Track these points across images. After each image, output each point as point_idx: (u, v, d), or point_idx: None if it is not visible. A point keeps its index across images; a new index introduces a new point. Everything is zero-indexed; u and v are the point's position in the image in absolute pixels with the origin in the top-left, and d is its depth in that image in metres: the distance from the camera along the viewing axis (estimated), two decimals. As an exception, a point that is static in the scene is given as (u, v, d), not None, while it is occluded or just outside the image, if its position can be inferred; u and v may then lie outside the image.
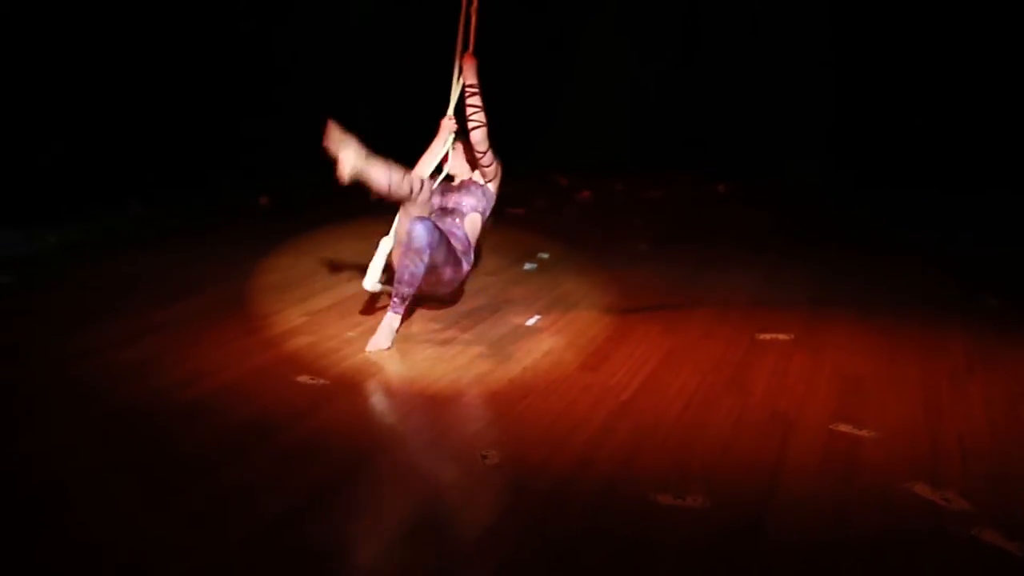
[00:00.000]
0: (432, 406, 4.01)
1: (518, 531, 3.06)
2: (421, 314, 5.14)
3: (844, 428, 3.79)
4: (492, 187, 5.07)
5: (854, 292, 5.58)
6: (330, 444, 3.62)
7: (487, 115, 4.92)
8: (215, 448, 3.57)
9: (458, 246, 4.86)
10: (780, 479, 3.40)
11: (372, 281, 4.84)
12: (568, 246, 6.60)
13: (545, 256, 6.31)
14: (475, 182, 5.07)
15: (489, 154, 4.98)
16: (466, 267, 4.92)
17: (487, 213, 5.06)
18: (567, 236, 6.86)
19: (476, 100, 4.95)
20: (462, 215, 4.98)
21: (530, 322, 5.05)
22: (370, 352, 4.56)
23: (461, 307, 5.27)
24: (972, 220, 6.99)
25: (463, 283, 5.14)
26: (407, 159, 4.92)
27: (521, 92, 9.08)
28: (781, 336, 4.83)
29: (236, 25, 8.00)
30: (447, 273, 4.78)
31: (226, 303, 5.23)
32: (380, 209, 7.54)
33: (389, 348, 4.61)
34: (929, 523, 3.13)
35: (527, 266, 6.12)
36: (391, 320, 4.66)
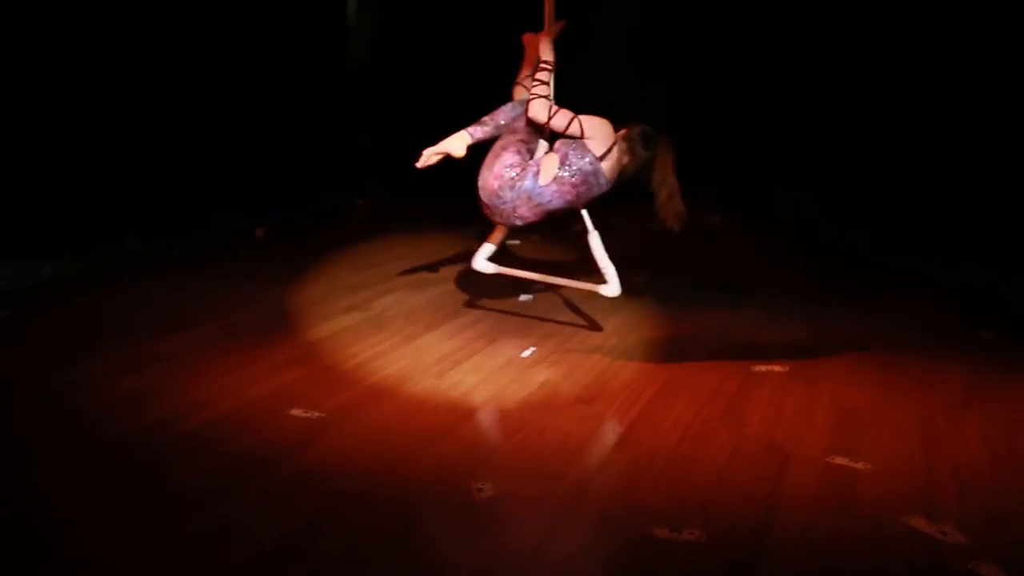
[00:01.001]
0: (427, 438, 4.00)
1: (512, 566, 3.05)
2: (414, 347, 5.14)
3: (840, 461, 3.79)
4: (588, 143, 4.97)
5: (850, 324, 5.58)
6: (326, 477, 3.62)
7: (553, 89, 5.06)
8: (212, 480, 3.57)
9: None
10: (776, 512, 3.40)
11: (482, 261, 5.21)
12: (564, 277, 6.60)
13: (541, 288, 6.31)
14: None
15: (558, 118, 4.98)
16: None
17: (573, 163, 4.97)
18: (563, 267, 6.86)
19: (543, 75, 5.06)
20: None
21: (525, 354, 5.04)
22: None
23: (456, 339, 5.27)
24: (969, 253, 7.00)
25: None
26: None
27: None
28: (777, 368, 4.83)
29: (232, 60, 8.03)
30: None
31: (223, 335, 5.22)
32: (375, 241, 7.60)
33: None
34: (926, 557, 3.12)
35: (523, 297, 6.12)
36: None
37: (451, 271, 6.76)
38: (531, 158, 5.04)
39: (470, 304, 5.97)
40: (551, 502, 3.45)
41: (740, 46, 8.62)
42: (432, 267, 6.86)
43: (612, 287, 5.11)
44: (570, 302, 6.01)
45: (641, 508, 3.42)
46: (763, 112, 8.57)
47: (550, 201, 5.01)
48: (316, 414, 4.19)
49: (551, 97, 5.08)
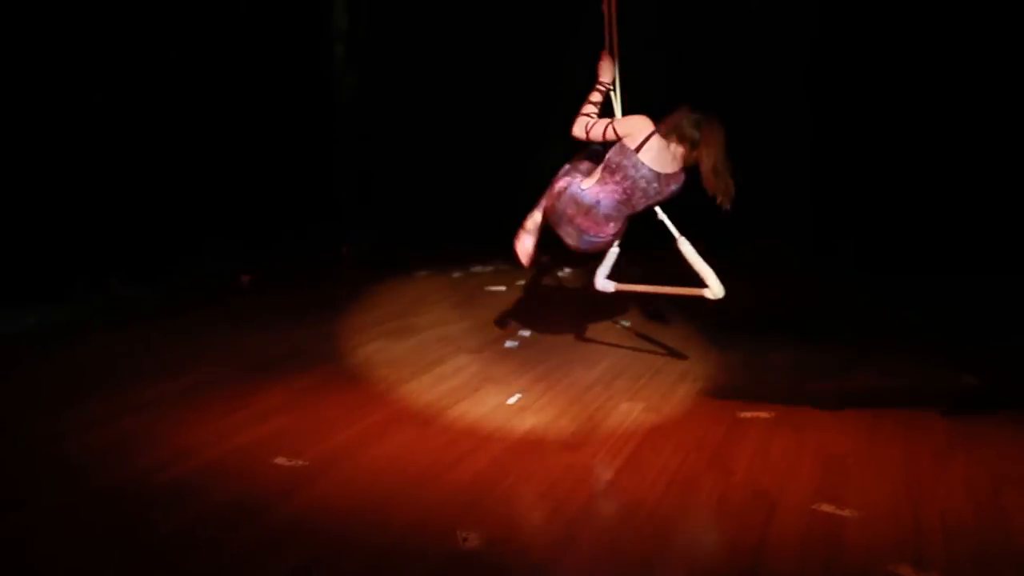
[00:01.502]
0: (412, 486, 3.98)
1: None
2: (399, 394, 5.12)
3: (827, 508, 3.78)
4: (626, 141, 5.08)
5: (835, 370, 5.59)
6: (310, 526, 3.59)
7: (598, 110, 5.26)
8: (197, 528, 3.56)
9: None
10: (763, 560, 3.39)
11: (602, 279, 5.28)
12: (550, 323, 6.61)
13: (526, 333, 6.31)
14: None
15: (595, 129, 5.18)
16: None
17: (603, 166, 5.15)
18: (549, 313, 6.88)
19: (595, 96, 5.23)
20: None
21: (511, 400, 5.04)
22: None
23: (442, 386, 5.26)
24: (953, 301, 7.03)
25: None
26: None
27: (499, 162, 9.15)
28: (762, 414, 4.83)
29: (219, 106, 8.06)
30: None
31: (207, 382, 5.20)
32: (360, 287, 7.60)
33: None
34: (913, 605, 3.11)
35: (508, 344, 6.12)
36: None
37: (436, 317, 6.76)
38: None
39: (456, 350, 5.97)
40: (537, 551, 3.43)
41: (721, 95, 8.68)
42: (417, 313, 6.86)
43: (714, 288, 5.13)
44: (555, 348, 6.01)
45: (628, 557, 3.40)
46: (745, 159, 8.60)
47: (598, 203, 5.09)
48: (300, 462, 4.17)
49: (614, 113, 5.26)
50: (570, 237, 5.23)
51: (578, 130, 5.22)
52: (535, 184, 9.22)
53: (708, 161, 4.97)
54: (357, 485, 3.99)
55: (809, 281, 7.88)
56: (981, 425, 4.73)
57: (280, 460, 4.18)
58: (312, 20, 8.97)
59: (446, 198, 9.19)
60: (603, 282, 5.45)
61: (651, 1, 7.94)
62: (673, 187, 5.11)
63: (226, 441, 4.40)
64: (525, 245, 5.53)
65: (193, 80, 7.84)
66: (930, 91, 7.91)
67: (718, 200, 5.00)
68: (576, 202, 5.12)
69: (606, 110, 5.30)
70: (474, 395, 5.12)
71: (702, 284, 5.16)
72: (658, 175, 5.05)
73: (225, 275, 7.69)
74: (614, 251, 5.32)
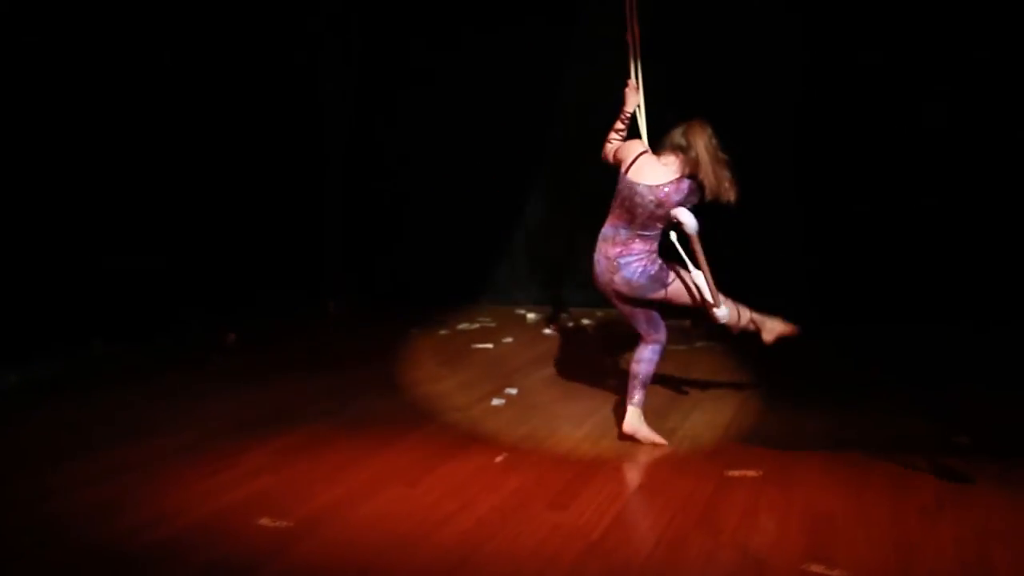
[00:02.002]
0: (399, 547, 3.94)
1: None
2: (386, 452, 5.10)
3: (816, 568, 3.76)
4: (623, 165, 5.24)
5: (823, 427, 5.58)
6: (294, 588, 3.56)
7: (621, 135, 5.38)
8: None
9: None
10: (753, 622, 3.36)
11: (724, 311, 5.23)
12: (537, 381, 6.60)
13: (513, 391, 6.30)
14: None
15: (612, 155, 5.35)
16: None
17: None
18: (536, 371, 6.87)
19: (619, 124, 5.39)
20: None
21: (498, 459, 5.01)
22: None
23: (429, 444, 5.23)
24: (941, 356, 7.04)
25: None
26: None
27: (485, 220, 9.18)
28: (750, 473, 4.81)
29: (202, 157, 8.09)
30: None
31: (190, 443, 5.16)
32: (347, 344, 7.58)
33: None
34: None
35: (495, 401, 6.10)
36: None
37: (423, 374, 6.75)
38: None
39: (443, 408, 5.95)
40: (525, 613, 3.39)
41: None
42: (404, 370, 6.84)
43: (721, 312, 5.23)
44: (542, 406, 6.00)
45: (616, 618, 3.37)
46: (734, 210, 8.62)
47: (615, 227, 5.23)
48: (285, 523, 4.13)
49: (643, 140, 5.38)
50: (610, 272, 5.23)
51: (605, 153, 5.40)
52: (523, 241, 9.37)
53: (703, 156, 5.06)
54: (343, 546, 3.96)
55: (799, 338, 7.87)
56: (968, 481, 4.72)
57: (265, 521, 4.14)
58: (300, 74, 9.02)
59: (434, 254, 9.20)
60: (721, 312, 5.28)
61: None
62: (671, 194, 5.09)
63: (210, 502, 4.36)
64: None
65: (182, 134, 7.86)
66: (916, 150, 7.97)
67: (723, 198, 5.10)
68: (601, 239, 5.27)
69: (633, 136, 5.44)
70: (461, 453, 5.09)
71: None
72: (650, 187, 5.10)
73: (210, 333, 7.66)
74: (696, 274, 5.24)
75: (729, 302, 5.30)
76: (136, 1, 7.43)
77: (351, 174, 9.41)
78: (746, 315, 5.40)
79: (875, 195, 8.13)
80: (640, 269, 5.18)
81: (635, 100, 5.41)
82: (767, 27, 8.24)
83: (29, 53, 6.74)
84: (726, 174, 5.10)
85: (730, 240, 8.47)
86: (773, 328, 5.51)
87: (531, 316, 8.80)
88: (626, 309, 5.34)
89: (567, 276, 9.29)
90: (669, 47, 7.05)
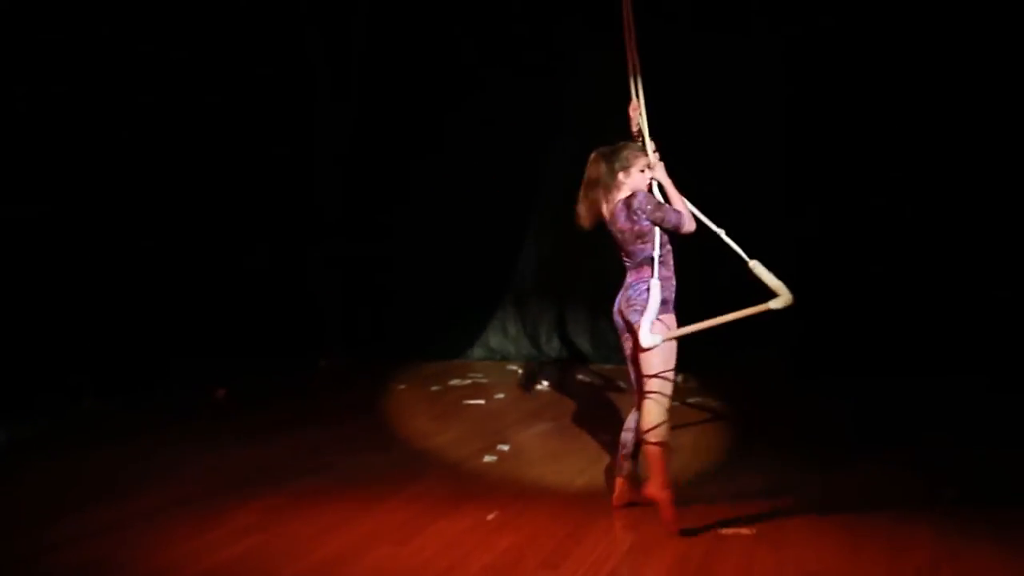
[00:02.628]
0: (389, 608, 3.91)
1: None
2: (377, 510, 5.05)
3: (811, 629, 3.72)
4: None
5: (814, 485, 5.54)
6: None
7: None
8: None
9: None
10: None
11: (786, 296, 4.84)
12: (529, 437, 6.58)
13: (505, 448, 6.27)
14: None
15: None
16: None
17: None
18: (528, 427, 6.84)
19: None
20: None
21: (489, 517, 4.97)
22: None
23: (420, 502, 5.19)
24: (924, 408, 7.04)
25: None
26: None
27: (476, 276, 9.19)
28: (743, 531, 4.77)
29: (193, 212, 8.11)
30: None
31: (180, 500, 5.13)
32: (338, 400, 7.55)
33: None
34: None
35: (487, 458, 6.07)
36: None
37: (414, 430, 6.72)
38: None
39: (434, 465, 5.91)
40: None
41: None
42: (395, 427, 6.81)
43: (784, 296, 4.87)
44: (534, 463, 5.97)
45: None
46: (723, 266, 8.64)
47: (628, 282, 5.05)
48: (274, 583, 4.09)
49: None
50: (620, 301, 5.04)
51: None
52: (515, 297, 9.38)
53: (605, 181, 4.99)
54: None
55: (790, 391, 7.87)
56: (963, 538, 4.68)
57: (254, 581, 4.10)
58: (294, 137, 9.07)
59: (426, 310, 9.20)
60: (649, 337, 4.90)
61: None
62: (623, 222, 4.94)
63: (199, 561, 4.32)
64: None
65: (174, 193, 7.89)
66: (909, 203, 8.02)
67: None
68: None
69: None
70: (452, 511, 5.05)
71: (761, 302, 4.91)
72: (611, 225, 5.03)
73: (201, 388, 7.63)
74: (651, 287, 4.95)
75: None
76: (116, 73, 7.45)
77: (343, 231, 9.42)
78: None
79: (864, 251, 8.16)
80: (644, 287, 4.93)
81: (635, 122, 5.18)
82: (752, 68, 8.32)
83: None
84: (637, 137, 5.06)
85: (721, 291, 8.56)
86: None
87: (523, 372, 8.78)
88: (630, 355, 5.11)
89: (559, 331, 9.30)
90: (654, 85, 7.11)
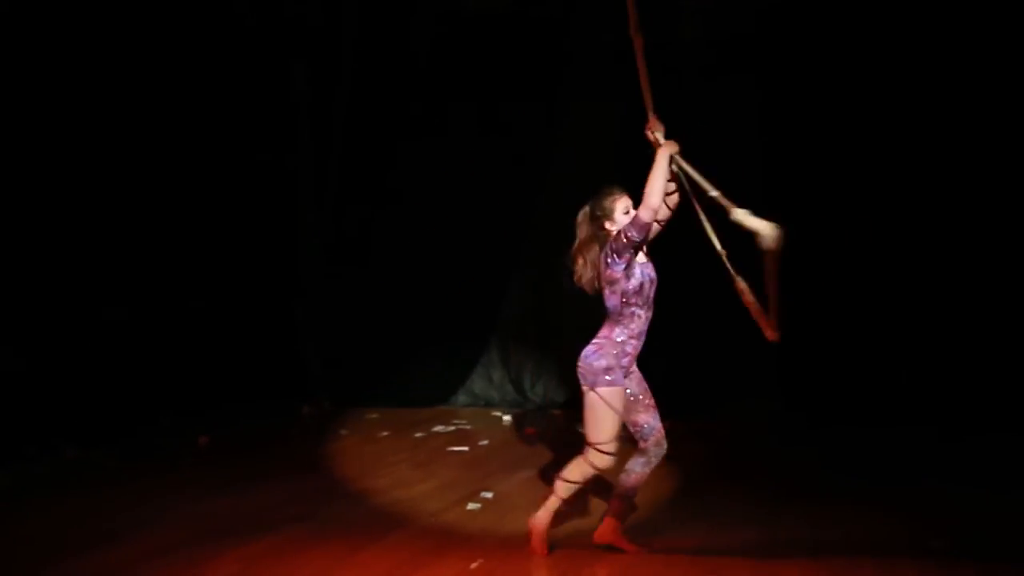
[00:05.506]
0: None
1: None
2: (358, 560, 5.01)
3: None
4: None
5: (801, 533, 5.51)
6: None
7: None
8: None
9: None
10: None
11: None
12: (513, 484, 6.53)
13: (489, 495, 6.23)
14: None
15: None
16: None
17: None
18: (512, 474, 6.81)
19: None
20: None
21: (473, 565, 4.93)
22: None
23: (402, 551, 5.14)
24: (920, 459, 7.02)
25: None
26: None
27: (460, 322, 9.16)
28: (729, 580, 4.74)
29: (177, 258, 8.11)
30: None
31: (161, 550, 5.06)
32: (321, 448, 7.50)
33: None
34: None
35: (470, 505, 6.03)
36: None
37: (397, 478, 6.67)
38: None
39: (417, 513, 5.87)
40: None
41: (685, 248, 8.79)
42: (378, 474, 6.76)
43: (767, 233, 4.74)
44: (519, 510, 5.91)
45: None
46: (710, 312, 8.65)
47: None
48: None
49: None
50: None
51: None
52: (498, 342, 9.36)
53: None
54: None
55: (777, 442, 7.84)
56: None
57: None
58: (276, 180, 9.09)
59: (409, 357, 9.16)
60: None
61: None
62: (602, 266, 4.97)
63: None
64: None
65: (160, 233, 7.88)
66: (891, 251, 8.06)
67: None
68: None
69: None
70: (435, 560, 5.00)
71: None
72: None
73: (182, 436, 7.58)
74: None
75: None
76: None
77: (326, 279, 9.40)
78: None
79: (847, 299, 8.18)
80: (592, 351, 4.95)
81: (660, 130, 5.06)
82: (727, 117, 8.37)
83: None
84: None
85: (703, 340, 8.58)
86: None
87: (507, 418, 8.75)
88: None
89: (544, 377, 9.28)
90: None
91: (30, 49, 7.03)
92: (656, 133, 5.03)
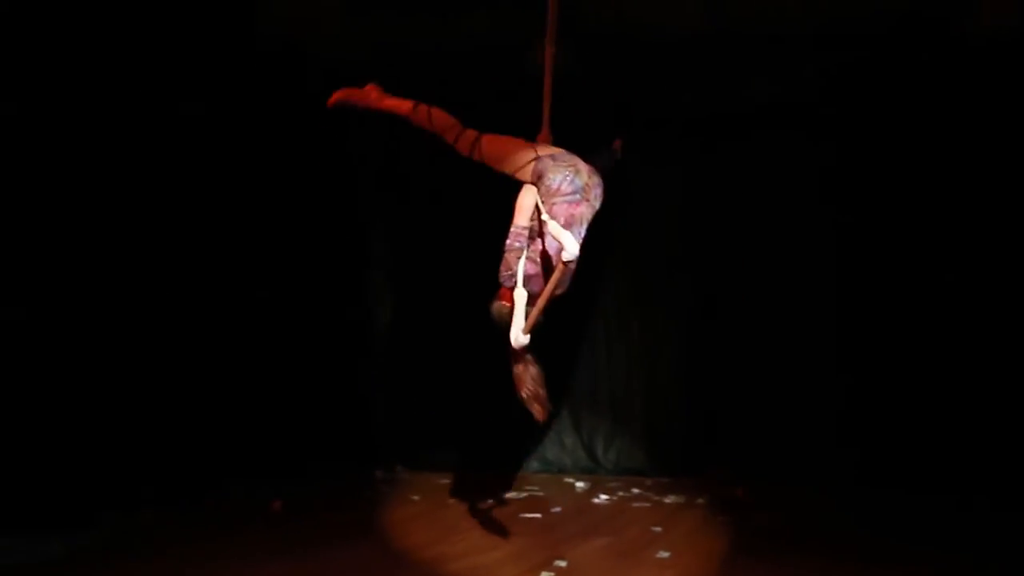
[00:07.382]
0: None
1: None
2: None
3: None
4: None
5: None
6: None
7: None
8: None
9: None
10: None
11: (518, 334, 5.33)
12: (588, 552, 6.42)
13: (563, 563, 6.13)
14: None
15: None
16: None
17: None
18: (586, 541, 6.71)
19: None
20: None
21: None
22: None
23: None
24: (923, 525, 6.87)
25: None
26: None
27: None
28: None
29: (251, 324, 8.18)
30: None
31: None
32: (395, 515, 7.46)
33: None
34: None
35: (544, 574, 5.93)
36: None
37: (469, 545, 6.60)
38: None
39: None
40: None
41: (745, 303, 8.73)
42: (450, 541, 6.71)
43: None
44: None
45: None
46: (775, 375, 8.57)
47: None
48: None
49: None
50: None
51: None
52: (569, 408, 9.29)
53: None
54: None
55: (847, 506, 7.68)
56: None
57: None
58: (347, 244, 9.20)
59: (481, 423, 9.11)
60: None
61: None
62: None
63: None
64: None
65: (215, 296, 7.95)
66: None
67: None
68: None
69: None
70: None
71: None
72: None
73: (256, 500, 7.59)
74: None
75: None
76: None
77: (398, 343, 9.44)
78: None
79: (875, 364, 8.18)
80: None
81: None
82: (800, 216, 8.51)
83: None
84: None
85: (775, 399, 8.53)
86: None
87: (580, 484, 8.65)
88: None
89: (616, 443, 9.19)
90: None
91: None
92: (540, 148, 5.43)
